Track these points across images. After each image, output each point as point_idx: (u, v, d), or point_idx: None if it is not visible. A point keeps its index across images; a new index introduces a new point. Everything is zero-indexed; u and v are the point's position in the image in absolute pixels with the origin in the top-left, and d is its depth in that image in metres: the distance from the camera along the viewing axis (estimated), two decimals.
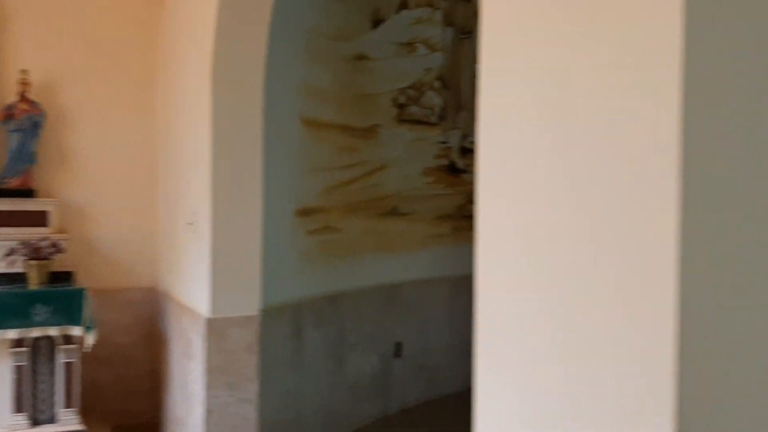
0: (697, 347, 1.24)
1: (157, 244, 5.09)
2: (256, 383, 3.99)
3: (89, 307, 4.24)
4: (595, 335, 1.38)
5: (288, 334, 4.46)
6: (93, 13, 4.99)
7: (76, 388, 4.31)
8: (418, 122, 5.79)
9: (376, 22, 5.29)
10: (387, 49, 5.42)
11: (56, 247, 4.33)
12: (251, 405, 3.97)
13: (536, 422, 1.53)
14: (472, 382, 1.75)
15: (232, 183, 3.90)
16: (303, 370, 4.60)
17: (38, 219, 4.58)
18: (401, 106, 5.63)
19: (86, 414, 4.50)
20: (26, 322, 4.09)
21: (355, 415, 5.14)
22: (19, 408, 4.16)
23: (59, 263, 4.44)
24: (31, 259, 4.25)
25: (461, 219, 6.01)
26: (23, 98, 4.59)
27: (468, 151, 6.10)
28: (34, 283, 4.23)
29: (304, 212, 4.68)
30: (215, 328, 3.88)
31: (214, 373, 3.89)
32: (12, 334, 4.07)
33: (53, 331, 4.16)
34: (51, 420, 4.24)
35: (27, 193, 4.60)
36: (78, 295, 4.22)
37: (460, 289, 5.11)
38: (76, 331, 4.22)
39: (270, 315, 4.14)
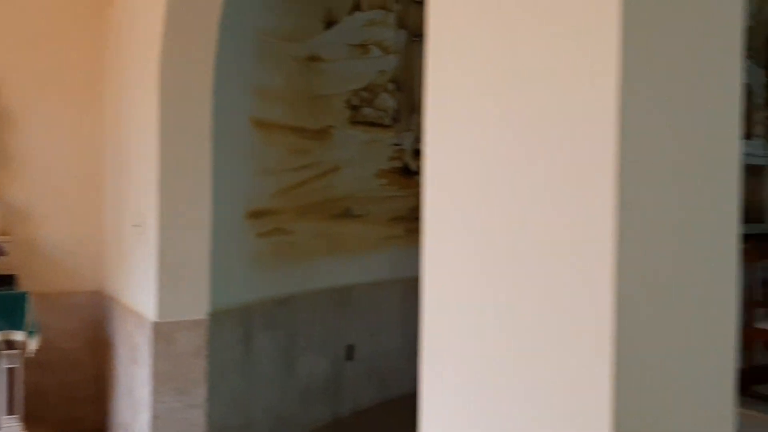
0: (633, 348, 1.26)
1: (103, 246, 4.98)
2: (204, 388, 3.93)
3: (32, 311, 4.12)
4: (537, 335, 1.39)
5: (237, 338, 4.41)
6: (37, 11, 4.85)
7: (19, 395, 4.18)
8: (371, 124, 5.79)
9: (329, 24, 5.27)
10: (340, 50, 5.40)
11: None
12: (199, 410, 3.92)
13: (480, 422, 1.53)
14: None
15: (179, 185, 3.84)
16: (253, 374, 4.55)
17: None
18: (355, 108, 5.61)
19: (29, 421, 4.38)
20: None
21: (307, 418, 5.10)
22: None
23: (1, 266, 4.32)
24: None
25: (414, 221, 6.01)
26: None
27: (421, 154, 6.12)
28: None
29: (255, 214, 4.63)
30: (162, 333, 3.82)
31: (161, 378, 3.82)
32: None
33: None
34: None
35: None
36: (20, 299, 4.10)
37: (413, 291, 5.09)
38: (18, 336, 4.09)
39: (219, 318, 4.09)
